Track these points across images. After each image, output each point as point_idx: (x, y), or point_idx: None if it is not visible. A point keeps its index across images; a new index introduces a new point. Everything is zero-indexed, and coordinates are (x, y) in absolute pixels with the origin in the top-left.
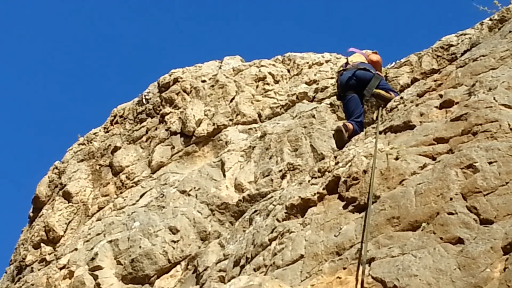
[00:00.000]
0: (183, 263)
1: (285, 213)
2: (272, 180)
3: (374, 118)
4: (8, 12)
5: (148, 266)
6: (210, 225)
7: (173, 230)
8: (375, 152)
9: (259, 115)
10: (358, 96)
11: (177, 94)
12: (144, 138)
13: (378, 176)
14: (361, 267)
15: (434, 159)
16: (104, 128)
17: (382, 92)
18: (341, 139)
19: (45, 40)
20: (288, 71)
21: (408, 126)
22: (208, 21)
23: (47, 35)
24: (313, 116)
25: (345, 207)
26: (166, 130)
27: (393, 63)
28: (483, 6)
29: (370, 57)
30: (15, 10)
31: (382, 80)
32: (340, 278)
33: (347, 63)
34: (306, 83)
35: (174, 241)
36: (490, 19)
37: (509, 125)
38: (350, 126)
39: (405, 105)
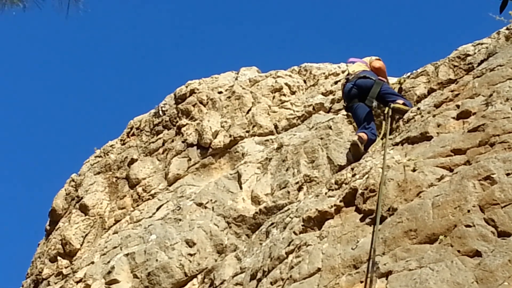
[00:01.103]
0: (199, 276)
1: (302, 225)
2: (288, 192)
3: (387, 130)
4: (23, 26)
5: (164, 280)
6: (226, 238)
7: (190, 243)
8: (384, 166)
9: (276, 127)
10: (365, 104)
11: (193, 105)
12: (160, 150)
13: (395, 188)
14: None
15: (451, 170)
16: (121, 140)
17: (401, 106)
18: (357, 152)
19: (62, 53)
20: (305, 81)
21: (425, 137)
22: (225, 32)
23: (64, 48)
24: (330, 127)
25: (362, 219)
26: (183, 142)
27: (409, 73)
28: (499, 16)
29: (373, 64)
30: (32, 23)
31: (384, 85)
32: None
33: (348, 74)
34: (322, 93)
35: (190, 254)
36: (507, 28)
37: None
38: (364, 136)
39: (422, 116)
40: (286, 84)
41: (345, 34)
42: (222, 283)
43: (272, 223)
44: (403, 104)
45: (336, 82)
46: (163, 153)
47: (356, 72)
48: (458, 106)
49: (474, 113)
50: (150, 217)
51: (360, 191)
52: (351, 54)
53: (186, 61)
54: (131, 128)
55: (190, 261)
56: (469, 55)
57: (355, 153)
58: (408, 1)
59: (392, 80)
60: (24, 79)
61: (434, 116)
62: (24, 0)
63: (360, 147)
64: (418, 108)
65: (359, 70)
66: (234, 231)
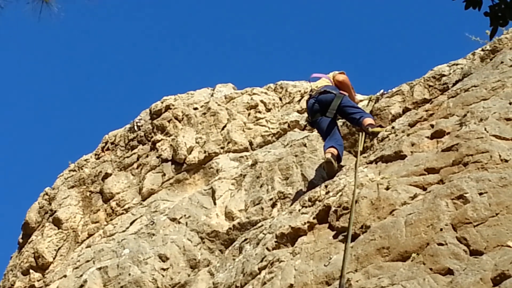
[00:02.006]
0: None
1: (275, 242)
2: (262, 208)
3: (360, 148)
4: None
5: None
6: (200, 253)
7: (163, 258)
8: (355, 184)
9: (251, 143)
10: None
11: (168, 121)
12: (135, 165)
13: (368, 206)
14: None
15: (424, 189)
16: (95, 154)
17: (378, 129)
18: (332, 169)
19: (36, 65)
20: (280, 99)
21: (399, 156)
22: (201, 48)
23: (40, 62)
24: (305, 145)
25: (335, 236)
26: (157, 157)
27: (381, 90)
28: (475, 36)
29: (336, 78)
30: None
31: (344, 98)
32: None
33: (311, 90)
34: (298, 111)
35: (163, 269)
36: (482, 50)
37: (499, 156)
38: (335, 152)
39: (396, 135)
40: (261, 101)
41: (321, 52)
42: None
43: (246, 239)
44: (371, 123)
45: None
46: (137, 168)
47: (319, 87)
48: (432, 126)
49: (448, 133)
50: (123, 231)
51: (333, 209)
52: (326, 72)
53: (162, 77)
54: (106, 143)
55: (163, 276)
56: (444, 75)
57: (330, 170)
58: (384, 20)
59: (363, 97)
60: None
61: (408, 135)
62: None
63: (334, 164)
64: (393, 127)
65: (322, 85)
66: (207, 246)
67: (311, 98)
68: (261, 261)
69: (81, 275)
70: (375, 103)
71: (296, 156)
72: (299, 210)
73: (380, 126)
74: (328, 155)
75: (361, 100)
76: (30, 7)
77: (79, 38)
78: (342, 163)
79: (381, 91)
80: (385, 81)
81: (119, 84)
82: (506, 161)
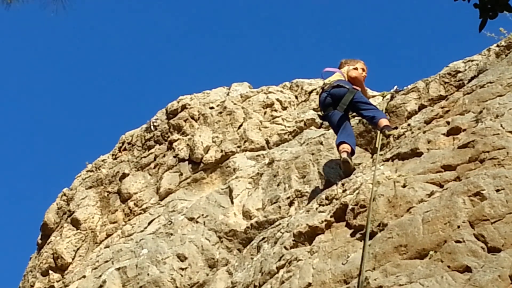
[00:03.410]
0: None
1: (293, 240)
2: (280, 207)
3: (378, 146)
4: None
5: None
6: (218, 253)
7: (181, 258)
8: (374, 182)
9: (267, 142)
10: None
11: (185, 121)
12: (152, 165)
13: (385, 204)
14: None
15: (441, 186)
16: (113, 155)
17: (394, 132)
18: (349, 169)
19: (53, 65)
20: (296, 97)
21: (415, 153)
22: (216, 48)
23: (57, 62)
24: (321, 143)
25: (352, 235)
26: (174, 157)
27: (395, 86)
28: (490, 32)
29: (349, 74)
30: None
31: (357, 93)
32: None
33: (324, 84)
34: (313, 109)
35: (182, 269)
36: (497, 46)
37: None
38: (349, 148)
39: (412, 132)
40: (277, 99)
41: (336, 49)
42: None
43: (263, 238)
44: (387, 125)
45: None
46: (154, 167)
47: (332, 81)
48: (448, 123)
49: (464, 130)
50: (141, 231)
51: (350, 207)
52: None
53: (178, 76)
54: (123, 143)
55: (182, 276)
56: (459, 71)
57: (347, 169)
58: (399, 18)
59: (375, 93)
60: (12, 92)
61: (424, 132)
62: None
63: (351, 162)
64: (409, 125)
65: (335, 80)
66: (225, 245)
67: (323, 92)
68: (279, 260)
69: (100, 276)
70: (390, 100)
71: (312, 154)
72: (316, 208)
73: (395, 128)
74: (344, 155)
75: (373, 96)
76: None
77: (97, 37)
78: (358, 161)
79: (395, 87)
80: (401, 78)
81: (135, 84)
82: None
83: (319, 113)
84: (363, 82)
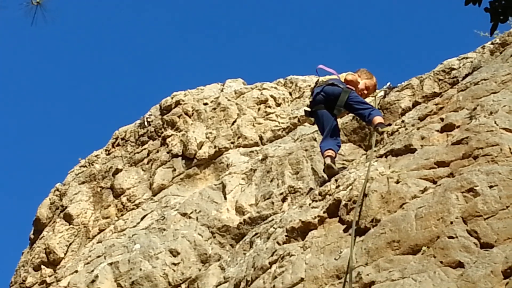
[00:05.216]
0: (183, 286)
1: (286, 236)
2: (273, 203)
3: (373, 143)
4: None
5: None
6: (210, 248)
7: (174, 253)
8: (367, 177)
9: (261, 138)
10: (330, 113)
11: (178, 116)
12: (145, 161)
13: (378, 200)
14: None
15: (434, 182)
16: (106, 150)
17: (387, 129)
18: (332, 173)
19: (46, 62)
20: (290, 94)
21: (409, 149)
22: (210, 44)
23: (50, 57)
24: (315, 139)
25: (345, 230)
26: (168, 152)
27: (388, 83)
28: (484, 31)
29: (346, 77)
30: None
31: (352, 93)
32: None
33: (318, 81)
34: (307, 106)
35: (174, 264)
36: (492, 43)
37: (510, 149)
38: (333, 154)
39: (406, 129)
40: (271, 96)
41: (330, 46)
42: None
43: (256, 233)
44: (381, 122)
45: None
46: (148, 163)
47: (326, 80)
48: (442, 119)
49: (458, 126)
50: (134, 226)
51: (343, 202)
52: (335, 66)
53: (172, 72)
54: (116, 139)
55: (174, 271)
56: (454, 69)
57: (330, 174)
58: (394, 15)
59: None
60: (5, 88)
61: (418, 129)
62: None
63: (335, 168)
64: (403, 121)
65: (329, 78)
66: (218, 241)
67: (316, 87)
68: (272, 255)
69: (93, 271)
70: (383, 97)
71: (306, 150)
72: (310, 204)
73: (389, 125)
74: (328, 160)
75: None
76: (23, 12)
77: (91, 34)
78: (351, 157)
79: (388, 83)
80: (395, 75)
81: (129, 80)
82: None
83: (307, 108)
84: (357, 87)
